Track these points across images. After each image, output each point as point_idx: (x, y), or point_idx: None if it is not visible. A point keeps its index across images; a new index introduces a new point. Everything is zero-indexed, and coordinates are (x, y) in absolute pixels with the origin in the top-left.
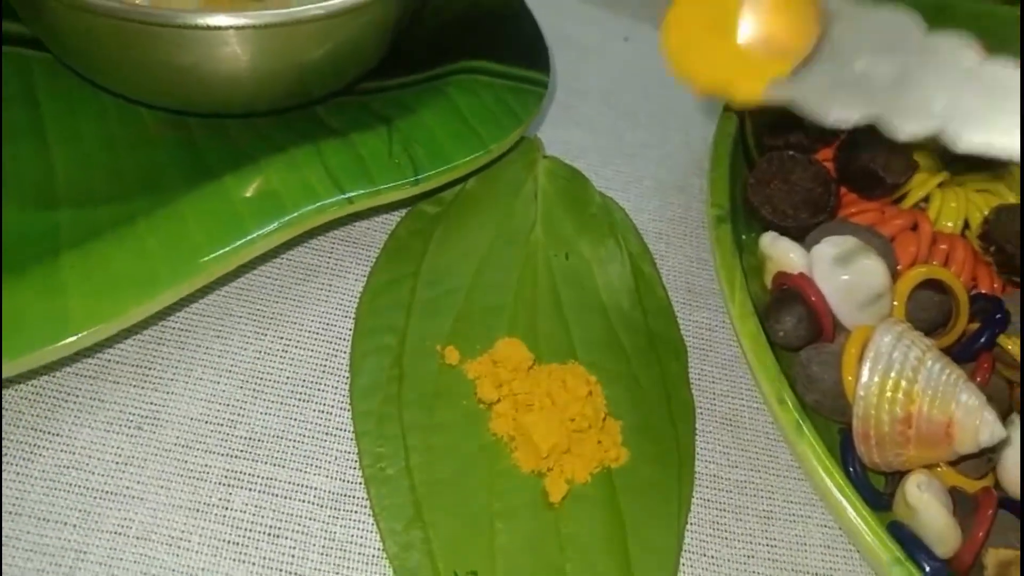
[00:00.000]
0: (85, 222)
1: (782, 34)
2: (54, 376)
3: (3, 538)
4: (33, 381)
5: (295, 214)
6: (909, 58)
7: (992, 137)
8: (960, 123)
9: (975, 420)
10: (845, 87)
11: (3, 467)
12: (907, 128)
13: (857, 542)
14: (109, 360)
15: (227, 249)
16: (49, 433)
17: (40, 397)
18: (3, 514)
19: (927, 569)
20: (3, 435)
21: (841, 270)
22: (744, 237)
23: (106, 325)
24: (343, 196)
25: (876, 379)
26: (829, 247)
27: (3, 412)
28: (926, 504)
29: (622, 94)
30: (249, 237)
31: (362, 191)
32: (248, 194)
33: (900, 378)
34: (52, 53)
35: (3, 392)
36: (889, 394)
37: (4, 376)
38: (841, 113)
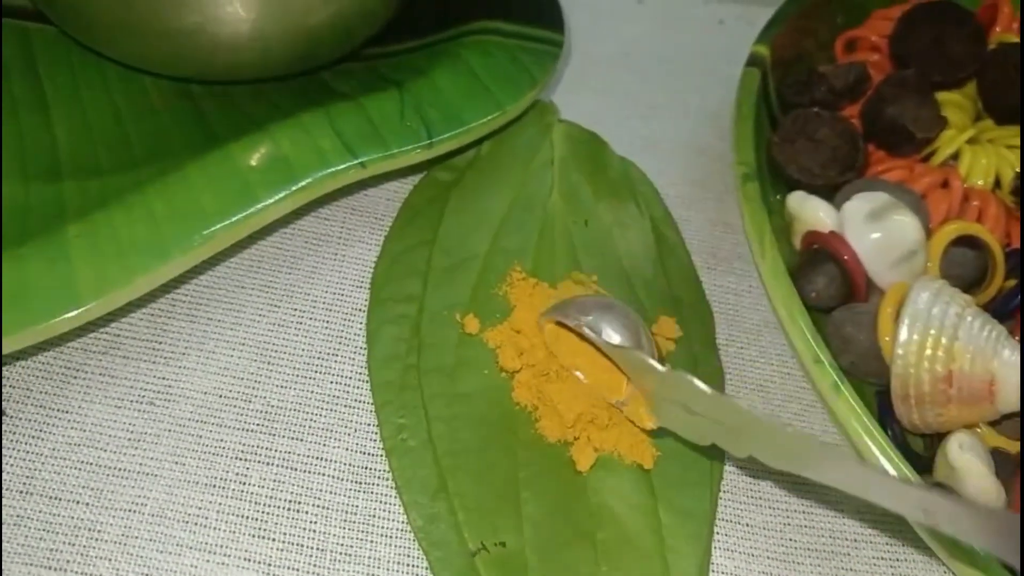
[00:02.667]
0: (90, 193)
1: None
2: (62, 352)
3: (15, 518)
4: (41, 357)
5: (307, 180)
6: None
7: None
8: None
9: (1018, 376)
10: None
11: (13, 446)
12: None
13: None
14: (118, 335)
15: (238, 217)
16: (58, 410)
17: (48, 374)
18: (14, 493)
19: None
20: (12, 413)
21: (873, 227)
22: (771, 200)
23: (115, 295)
24: (356, 161)
25: (915, 337)
26: (861, 203)
27: (12, 390)
28: (968, 464)
29: (637, 57)
30: (260, 204)
31: (375, 155)
32: (257, 161)
33: (940, 335)
34: (53, 24)
35: (12, 369)
36: (929, 352)
37: (12, 350)
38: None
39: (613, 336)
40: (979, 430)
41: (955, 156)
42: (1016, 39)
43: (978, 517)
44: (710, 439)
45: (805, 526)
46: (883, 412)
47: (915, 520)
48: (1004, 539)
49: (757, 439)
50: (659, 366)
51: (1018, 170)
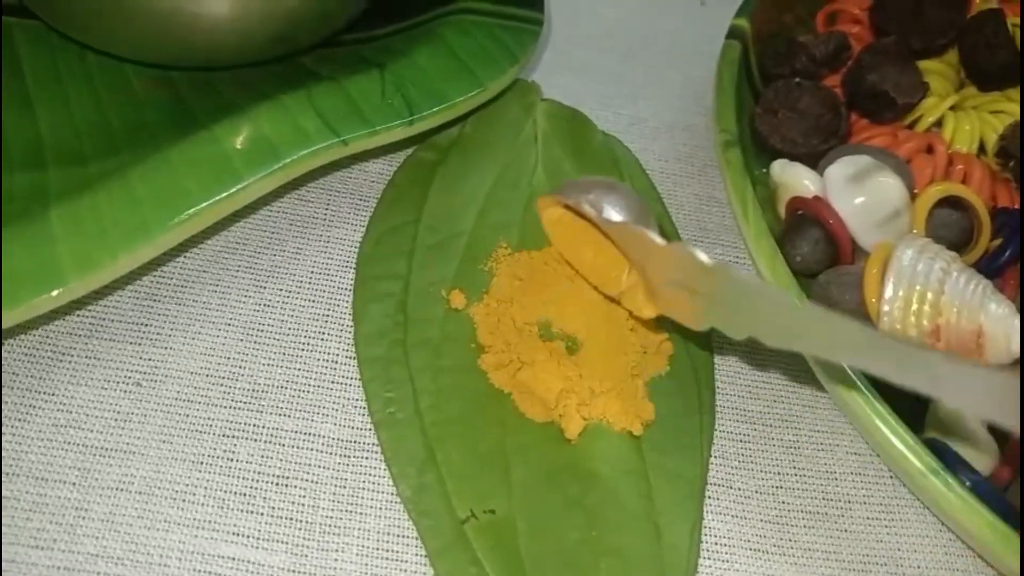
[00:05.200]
0: (73, 179)
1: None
2: (47, 335)
3: (2, 499)
4: (26, 341)
5: (289, 159)
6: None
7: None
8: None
9: (1006, 329)
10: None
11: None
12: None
13: (889, 456)
14: (104, 318)
15: (221, 196)
16: (44, 393)
17: (34, 357)
18: (1, 475)
19: (967, 483)
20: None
21: (856, 190)
22: (756, 172)
23: (98, 274)
24: (338, 139)
25: (901, 293)
26: (843, 167)
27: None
28: (960, 417)
29: (619, 37)
30: (243, 184)
31: (357, 133)
32: (239, 142)
33: (926, 290)
34: (34, 16)
35: None
36: (915, 307)
37: None
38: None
39: (614, 215)
40: None
41: (938, 124)
42: (995, 4)
43: (986, 381)
44: (708, 322)
45: (798, 488)
46: None
47: (922, 390)
48: (1010, 404)
49: (755, 313)
50: (660, 239)
51: (1001, 133)
